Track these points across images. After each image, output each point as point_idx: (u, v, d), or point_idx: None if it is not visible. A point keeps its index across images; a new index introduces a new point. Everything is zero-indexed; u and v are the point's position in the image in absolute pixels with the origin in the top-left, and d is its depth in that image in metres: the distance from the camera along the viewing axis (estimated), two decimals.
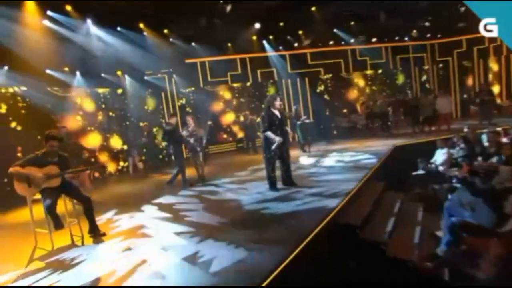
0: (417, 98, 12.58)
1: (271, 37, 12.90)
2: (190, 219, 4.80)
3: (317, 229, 3.88)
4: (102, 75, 10.33)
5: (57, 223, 4.36)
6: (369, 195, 5.37)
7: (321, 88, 14.36)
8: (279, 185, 5.84)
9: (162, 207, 5.68)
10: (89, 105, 10.21)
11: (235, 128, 13.53)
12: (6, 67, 8.35)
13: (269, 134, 5.40)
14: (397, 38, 14.25)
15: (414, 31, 14.08)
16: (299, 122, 10.04)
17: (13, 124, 8.65)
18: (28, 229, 4.47)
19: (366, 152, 8.70)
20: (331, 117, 13.76)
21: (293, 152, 9.52)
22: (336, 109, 13.99)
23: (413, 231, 4.62)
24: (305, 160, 8.74)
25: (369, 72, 14.69)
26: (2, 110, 8.46)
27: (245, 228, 4.10)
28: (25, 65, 8.29)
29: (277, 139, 5.37)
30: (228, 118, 13.57)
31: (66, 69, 9.49)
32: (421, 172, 7.24)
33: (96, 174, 9.63)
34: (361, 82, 14.68)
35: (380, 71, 14.74)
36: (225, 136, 13.53)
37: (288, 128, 5.73)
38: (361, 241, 4.06)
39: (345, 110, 13.99)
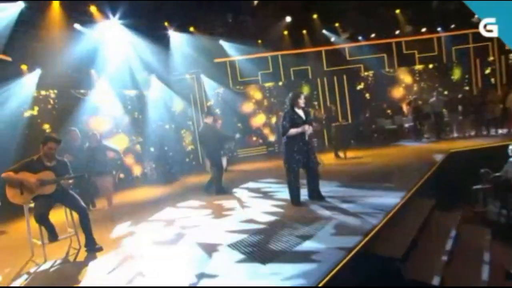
0: (483, 94, 10.75)
1: (304, 31, 12.06)
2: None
3: (345, 260, 3.09)
4: (129, 76, 10.27)
5: (52, 234, 4.04)
6: (415, 215, 4.39)
7: (361, 86, 13.17)
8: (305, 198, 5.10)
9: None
10: (115, 107, 10.21)
11: (266, 131, 12.88)
12: (38, 70, 8.54)
13: (292, 131, 4.69)
14: (453, 26, 12.27)
15: (476, 16, 12.27)
16: (334, 124, 9.10)
17: (46, 126, 8.86)
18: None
19: (412, 160, 7.57)
20: (373, 118, 12.55)
21: (327, 158, 8.89)
22: (378, 110, 12.74)
23: (478, 267, 3.59)
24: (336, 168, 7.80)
25: (418, 67, 13.11)
26: (34, 112, 8.68)
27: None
28: (55, 67, 8.45)
29: (306, 127, 4.70)
30: (259, 119, 12.97)
31: (93, 71, 9.54)
32: (485, 186, 5.99)
33: (121, 175, 9.50)
34: (407, 79, 13.19)
35: (431, 65, 13.08)
36: (254, 138, 12.95)
37: (308, 128, 4.81)
38: (404, 280, 3.18)
39: (388, 111, 12.68)
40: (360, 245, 3.43)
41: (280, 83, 12.95)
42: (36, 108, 8.77)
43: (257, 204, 5.48)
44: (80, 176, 4.43)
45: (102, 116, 9.81)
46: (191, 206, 5.94)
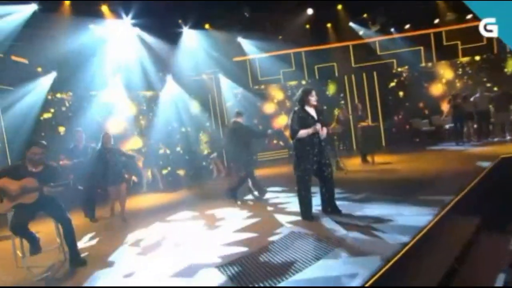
0: None
1: (328, 25, 11.28)
2: None
3: None
4: (144, 77, 10.12)
5: (34, 246, 3.75)
6: (454, 237, 3.58)
7: (393, 83, 12.10)
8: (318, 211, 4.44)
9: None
10: (130, 108, 10.09)
11: (288, 133, 12.21)
12: (54, 72, 8.60)
13: (302, 132, 4.13)
14: None
15: None
16: (360, 126, 8.27)
17: (61, 129, 8.92)
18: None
19: (452, 166, 6.59)
20: (407, 119, 11.47)
21: (352, 164, 8.12)
22: (413, 109, 11.62)
23: None
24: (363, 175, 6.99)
25: (461, 60, 11.57)
26: (49, 115, 8.74)
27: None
28: (72, 70, 8.46)
29: (318, 127, 4.11)
30: (281, 121, 12.33)
31: (108, 71, 9.47)
32: None
33: (134, 178, 9.31)
34: (448, 74, 11.82)
35: (478, 57, 11.40)
36: (275, 141, 12.34)
37: (322, 130, 4.20)
38: None
39: (425, 110, 11.53)
40: (380, 273, 2.75)
41: (304, 82, 12.25)
42: (52, 110, 8.83)
43: (264, 216, 4.90)
44: (65, 183, 4.10)
45: (117, 117, 9.73)
46: (184, 218, 5.49)
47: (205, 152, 11.04)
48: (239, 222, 4.75)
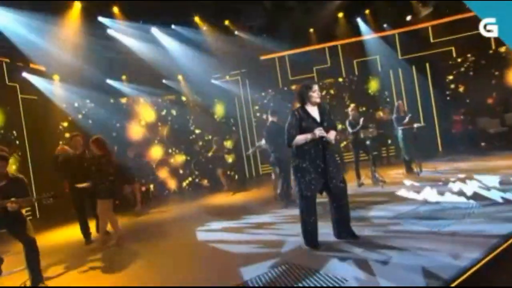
0: None
1: (366, 11, 9.93)
2: None
3: None
4: (164, 81, 9.83)
5: None
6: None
7: (450, 76, 10.24)
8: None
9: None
10: (148, 115, 9.84)
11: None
12: (70, 80, 8.66)
13: (299, 138, 3.39)
14: None
15: None
16: (401, 128, 6.89)
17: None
18: None
19: None
20: (470, 118, 9.59)
21: (392, 175, 6.77)
22: (478, 106, 9.68)
23: None
24: (407, 189, 5.62)
25: None
26: (67, 123, 8.80)
27: None
28: (88, 76, 8.45)
29: (317, 132, 3.31)
30: None
31: (124, 77, 9.34)
32: None
33: (142, 188, 8.92)
34: None
35: None
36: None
37: (328, 134, 3.36)
38: None
39: (496, 108, 9.52)
40: None
41: (341, 79, 11.00)
42: (69, 119, 8.87)
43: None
44: (27, 199, 3.65)
45: (136, 124, 9.54)
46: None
47: (230, 160, 10.36)
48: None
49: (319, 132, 3.27)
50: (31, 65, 7.90)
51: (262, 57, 11.01)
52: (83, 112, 8.93)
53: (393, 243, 3.17)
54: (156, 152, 9.79)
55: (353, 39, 10.52)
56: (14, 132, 7.57)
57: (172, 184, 9.84)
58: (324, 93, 11.07)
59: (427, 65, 10.30)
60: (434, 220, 3.74)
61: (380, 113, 8.90)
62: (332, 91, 11.05)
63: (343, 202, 3.45)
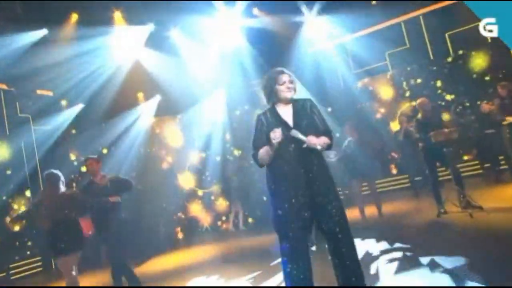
0: None
1: None
2: None
3: None
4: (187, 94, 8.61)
5: None
6: None
7: None
8: None
9: None
10: (174, 137, 8.76)
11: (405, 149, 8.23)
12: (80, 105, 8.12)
13: (262, 154, 2.53)
14: None
15: None
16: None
17: None
18: None
19: None
20: None
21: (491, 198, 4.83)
22: None
23: None
24: None
25: None
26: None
27: None
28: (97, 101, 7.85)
29: (271, 135, 2.38)
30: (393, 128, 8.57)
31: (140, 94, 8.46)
32: None
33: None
34: None
35: None
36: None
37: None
38: None
39: None
40: None
41: (426, 62, 8.19)
42: None
43: None
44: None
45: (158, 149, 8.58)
46: None
47: None
48: None
49: (273, 135, 2.35)
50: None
51: (312, 49, 8.97)
52: None
53: None
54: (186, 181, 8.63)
55: (445, 2, 7.64)
56: None
57: (206, 220, 8.54)
58: (404, 85, 8.40)
59: None
60: None
61: (487, 106, 6.05)
62: (413, 81, 8.29)
63: (340, 241, 2.42)
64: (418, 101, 5.23)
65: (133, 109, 8.10)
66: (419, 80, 8.27)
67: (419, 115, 5.14)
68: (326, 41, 8.77)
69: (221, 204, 8.03)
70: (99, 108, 7.61)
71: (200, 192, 8.56)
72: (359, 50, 8.49)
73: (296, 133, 2.34)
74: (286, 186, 2.44)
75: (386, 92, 8.65)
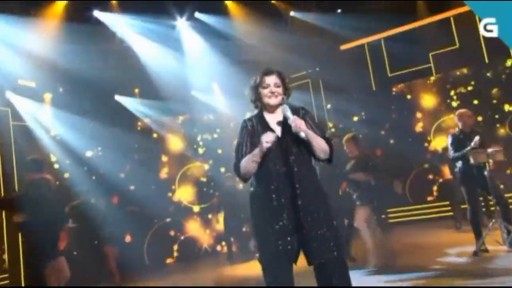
0: None
1: None
2: None
3: None
4: (192, 93, 7.80)
5: None
6: None
7: None
8: None
9: None
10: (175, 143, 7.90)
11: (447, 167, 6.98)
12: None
13: (243, 168, 2.23)
14: None
15: None
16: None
17: None
18: None
19: None
20: None
21: None
22: None
23: None
24: None
25: None
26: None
27: None
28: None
29: (263, 139, 2.07)
30: (434, 145, 7.36)
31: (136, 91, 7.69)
32: None
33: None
34: None
35: None
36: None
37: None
38: None
39: None
40: None
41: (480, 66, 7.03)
42: None
43: None
44: None
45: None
46: None
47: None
48: None
49: (266, 138, 2.04)
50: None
51: (344, 46, 7.94)
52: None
53: None
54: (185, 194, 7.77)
55: None
56: None
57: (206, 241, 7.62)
58: (452, 93, 7.21)
59: None
60: None
61: None
62: (462, 89, 7.08)
63: (334, 276, 2.11)
64: (459, 111, 4.67)
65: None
66: (469, 88, 7.09)
67: (457, 129, 4.62)
68: (358, 38, 7.73)
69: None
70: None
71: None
72: (397, 49, 7.38)
73: (286, 109, 2.15)
74: (268, 208, 2.18)
75: (427, 100, 7.49)
